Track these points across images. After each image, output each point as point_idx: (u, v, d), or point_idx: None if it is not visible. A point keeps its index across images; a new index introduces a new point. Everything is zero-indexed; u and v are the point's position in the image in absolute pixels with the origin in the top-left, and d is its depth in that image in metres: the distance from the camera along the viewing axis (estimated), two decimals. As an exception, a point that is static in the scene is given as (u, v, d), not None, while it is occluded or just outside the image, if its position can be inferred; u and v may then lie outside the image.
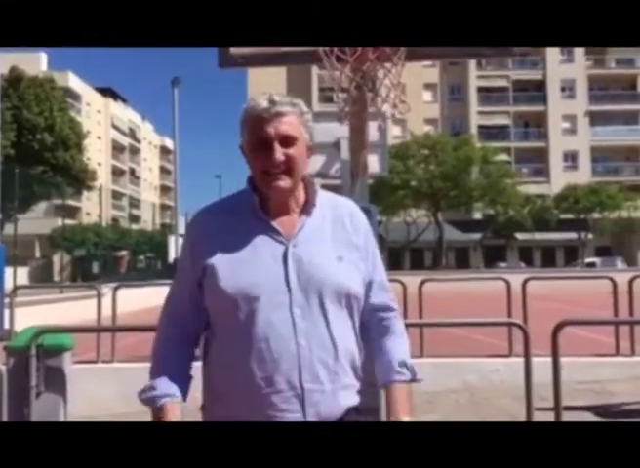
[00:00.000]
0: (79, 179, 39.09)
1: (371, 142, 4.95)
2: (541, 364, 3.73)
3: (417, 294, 7.27)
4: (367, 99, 4.66)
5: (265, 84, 33.02)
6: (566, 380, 3.79)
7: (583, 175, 49.87)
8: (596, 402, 5.76)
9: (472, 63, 50.68)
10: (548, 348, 3.54)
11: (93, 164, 46.64)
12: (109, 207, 52.58)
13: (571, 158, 52.67)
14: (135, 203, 62.40)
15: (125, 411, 4.90)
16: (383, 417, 3.30)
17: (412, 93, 39.85)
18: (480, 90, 52.98)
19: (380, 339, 1.64)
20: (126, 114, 70.76)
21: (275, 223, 1.54)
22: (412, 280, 7.44)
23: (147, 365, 1.60)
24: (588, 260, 42.15)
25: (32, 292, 14.54)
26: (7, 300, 8.39)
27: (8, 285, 10.31)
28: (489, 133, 50.97)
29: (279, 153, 1.49)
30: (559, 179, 49.43)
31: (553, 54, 51.15)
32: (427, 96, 52.20)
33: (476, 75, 52.73)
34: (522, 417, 3.68)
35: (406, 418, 1.52)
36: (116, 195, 60.38)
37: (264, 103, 1.50)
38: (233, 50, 4.60)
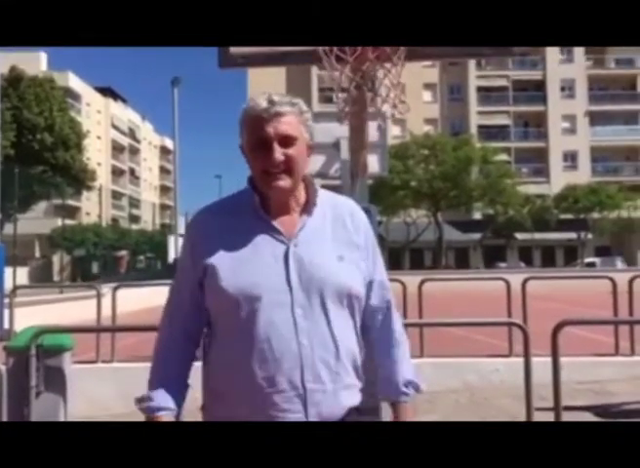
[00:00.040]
0: (79, 179, 39.09)
1: (370, 142, 4.95)
2: (541, 364, 3.73)
3: (416, 294, 7.27)
4: (367, 99, 4.66)
5: (265, 84, 33.03)
6: (566, 380, 3.79)
7: (583, 175, 49.88)
8: (596, 402, 5.75)
9: (472, 63, 50.68)
10: (548, 348, 3.54)
11: (92, 164, 46.63)
12: (109, 207, 52.58)
13: (570, 158, 52.67)
14: (134, 203, 62.38)
15: (125, 411, 4.90)
16: (384, 417, 3.31)
17: (411, 93, 39.85)
18: (480, 90, 52.99)
19: (381, 345, 1.65)
20: (126, 114, 70.75)
21: (276, 223, 1.54)
22: (412, 280, 7.44)
23: (147, 365, 1.60)
24: (588, 260, 42.14)
25: (32, 292, 14.53)
26: (7, 300, 8.38)
27: (8, 285, 10.30)
28: (489, 133, 50.97)
29: (279, 153, 1.49)
30: (559, 179, 49.43)
31: (553, 54, 51.16)
32: (427, 96, 52.20)
33: (476, 75, 52.74)
34: (522, 417, 3.68)
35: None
36: (116, 195, 60.38)
37: (264, 103, 1.50)
38: (233, 50, 4.60)
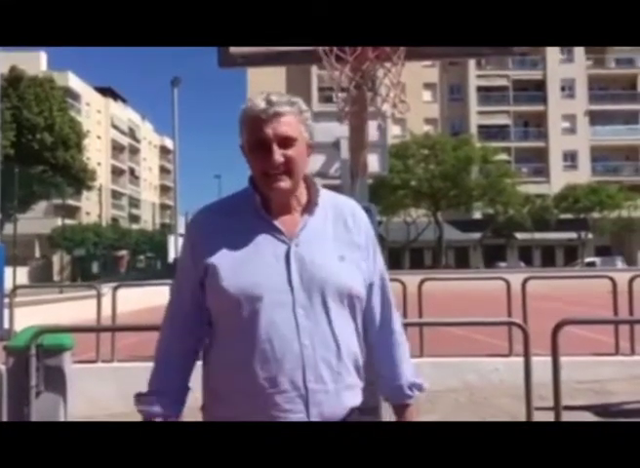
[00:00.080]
0: (79, 179, 39.07)
1: (370, 142, 4.95)
2: (541, 363, 3.73)
3: (416, 294, 7.27)
4: (367, 99, 4.66)
5: (265, 83, 33.00)
6: (566, 380, 3.79)
7: (583, 175, 49.88)
8: (596, 401, 5.76)
9: (472, 63, 50.68)
10: (548, 348, 3.54)
11: (92, 164, 46.61)
12: (109, 206, 52.58)
13: (570, 158, 52.68)
14: (134, 202, 62.38)
15: (125, 411, 4.90)
16: (384, 416, 3.31)
17: (411, 92, 39.85)
18: (480, 89, 52.99)
19: (382, 345, 1.65)
20: (126, 114, 70.75)
21: (277, 222, 1.53)
22: (411, 279, 7.44)
23: (148, 364, 1.60)
24: (588, 260, 42.14)
25: (32, 292, 14.54)
26: (7, 300, 8.39)
27: (8, 285, 10.30)
28: (488, 132, 50.98)
29: (278, 155, 1.48)
30: (559, 179, 49.43)
31: (553, 53, 51.17)
32: (427, 95, 52.21)
33: (476, 75, 52.74)
34: (522, 417, 3.68)
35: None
36: (116, 195, 60.38)
37: (262, 104, 1.49)
38: (233, 49, 4.59)
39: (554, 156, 52.29)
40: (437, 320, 7.31)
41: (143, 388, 1.58)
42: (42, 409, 3.97)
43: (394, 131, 45.40)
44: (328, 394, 1.47)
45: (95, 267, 37.83)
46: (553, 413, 3.46)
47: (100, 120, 62.63)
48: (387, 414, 1.65)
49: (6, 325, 8.18)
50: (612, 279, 7.38)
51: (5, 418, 3.58)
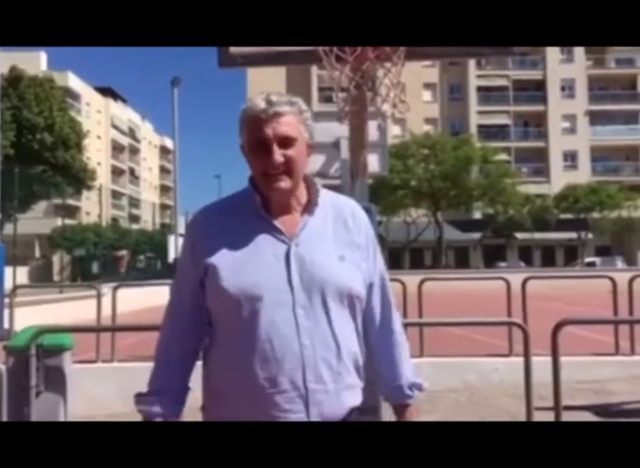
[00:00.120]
0: (79, 179, 39.07)
1: (370, 142, 4.95)
2: (541, 363, 3.73)
3: (416, 294, 7.27)
4: (367, 99, 4.66)
5: (265, 83, 32.99)
6: (566, 380, 3.79)
7: (583, 175, 49.89)
8: (596, 401, 5.76)
9: (472, 63, 50.68)
10: (548, 347, 3.54)
11: (92, 163, 46.61)
12: (109, 206, 52.58)
13: (570, 158, 52.69)
14: (134, 202, 62.38)
15: (125, 411, 4.90)
16: (384, 416, 3.31)
17: (411, 92, 39.86)
18: (480, 89, 53.00)
19: (382, 345, 1.65)
20: (126, 114, 70.75)
21: (277, 222, 1.53)
22: (411, 279, 7.44)
23: (148, 364, 1.60)
24: (588, 260, 42.14)
25: (32, 292, 14.54)
26: (7, 300, 8.39)
27: (8, 284, 10.30)
28: (488, 132, 50.98)
29: (278, 155, 1.48)
30: (559, 179, 49.44)
31: (553, 53, 51.17)
32: (427, 95, 52.21)
33: (476, 75, 52.75)
34: (522, 417, 3.68)
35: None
36: (116, 195, 60.38)
37: (262, 104, 1.48)
38: (233, 49, 4.59)
39: (554, 156, 52.29)
40: (437, 320, 7.31)
41: (143, 388, 1.58)
42: (42, 409, 3.97)
43: (394, 131, 45.41)
44: (328, 394, 1.47)
45: (95, 267, 37.83)
46: (553, 413, 3.46)
47: (99, 120, 62.63)
48: (387, 414, 1.65)
49: (6, 325, 8.18)
50: (612, 279, 7.38)
51: (5, 418, 3.58)
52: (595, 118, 52.64)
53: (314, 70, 47.68)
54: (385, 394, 1.68)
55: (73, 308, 11.26)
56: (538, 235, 45.98)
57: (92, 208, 49.09)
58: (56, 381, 4.11)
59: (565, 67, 52.59)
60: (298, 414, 1.44)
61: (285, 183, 1.50)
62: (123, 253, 41.41)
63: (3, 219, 28.90)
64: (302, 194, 1.58)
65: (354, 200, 1.71)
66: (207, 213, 1.60)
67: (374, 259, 1.63)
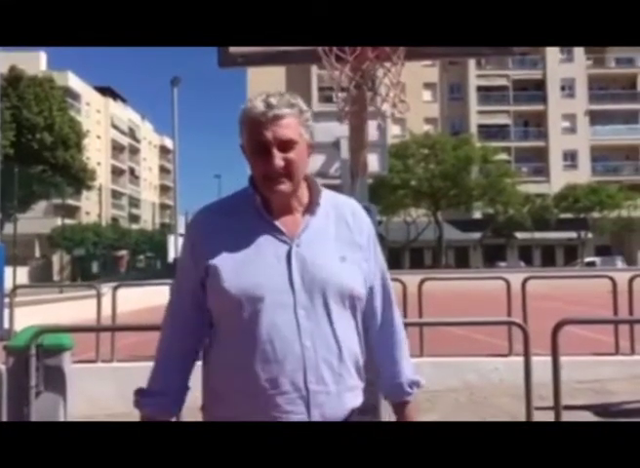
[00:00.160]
0: (79, 179, 39.07)
1: (370, 142, 4.95)
2: (541, 363, 3.73)
3: (416, 294, 7.27)
4: (366, 99, 4.66)
5: (265, 83, 32.97)
6: (566, 379, 3.79)
7: (583, 175, 49.90)
8: (596, 401, 5.76)
9: (472, 63, 50.67)
10: (548, 347, 3.54)
11: (92, 163, 46.61)
12: (109, 206, 52.55)
13: (570, 157, 52.69)
14: (134, 202, 62.37)
15: (125, 411, 4.90)
16: (384, 416, 3.31)
17: (411, 92, 39.86)
18: (480, 89, 53.00)
19: (383, 345, 1.65)
20: (125, 114, 70.74)
21: (278, 223, 1.52)
22: (411, 279, 7.44)
23: (147, 364, 1.60)
24: (588, 260, 42.16)
25: (32, 292, 14.53)
26: (7, 300, 8.39)
27: (7, 284, 10.30)
28: (488, 132, 50.99)
29: (278, 159, 1.47)
30: (559, 179, 49.44)
31: (553, 53, 51.17)
32: (427, 95, 52.21)
33: (476, 74, 52.75)
34: (522, 416, 3.68)
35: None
36: (116, 194, 60.37)
37: (261, 106, 1.47)
38: (233, 49, 4.59)
39: (554, 156, 52.29)
40: (437, 320, 7.31)
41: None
42: (42, 408, 3.97)
43: (394, 130, 45.41)
44: (329, 395, 1.47)
45: (94, 267, 37.82)
46: (553, 413, 3.46)
47: (99, 120, 62.62)
48: (387, 414, 1.65)
49: (6, 325, 8.18)
50: (612, 279, 7.38)
51: (5, 418, 3.57)
52: (595, 118, 52.64)
53: (314, 70, 47.68)
54: (385, 392, 1.68)
55: (73, 308, 11.26)
56: (538, 235, 45.99)
57: (92, 207, 49.09)
58: (55, 381, 4.11)
59: (565, 67, 52.59)
60: (299, 416, 1.44)
61: (285, 186, 1.50)
62: (123, 252, 41.40)
63: (3, 219, 28.90)
64: (304, 194, 1.57)
65: (354, 200, 1.71)
66: (207, 212, 1.60)
67: (375, 259, 1.63)
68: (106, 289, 8.67)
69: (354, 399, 1.54)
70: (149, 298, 11.52)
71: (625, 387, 6.15)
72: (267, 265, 1.48)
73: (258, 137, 1.48)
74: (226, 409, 1.49)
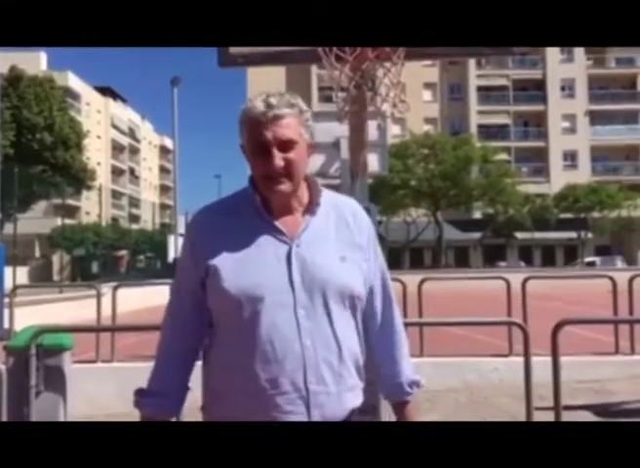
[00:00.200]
0: (79, 179, 39.07)
1: (370, 142, 4.95)
2: (541, 363, 3.73)
3: (416, 294, 7.27)
4: (366, 99, 4.66)
5: (265, 83, 32.97)
6: (566, 379, 3.79)
7: (583, 175, 49.90)
8: (596, 401, 5.76)
9: (472, 63, 50.67)
10: (548, 347, 3.54)
11: (92, 163, 46.62)
12: (109, 206, 52.56)
13: (570, 157, 52.70)
14: (134, 202, 62.39)
15: (125, 411, 4.90)
16: (384, 416, 3.31)
17: (411, 92, 39.85)
18: (480, 89, 52.99)
19: (383, 344, 1.65)
20: (125, 114, 70.75)
21: (278, 223, 1.52)
22: (411, 279, 7.44)
23: (147, 364, 1.60)
24: (588, 259, 42.17)
25: (32, 292, 14.54)
26: (7, 300, 8.39)
27: (7, 284, 10.30)
28: (488, 132, 50.99)
29: (278, 159, 1.47)
30: (559, 179, 49.45)
31: (553, 53, 51.16)
32: (427, 95, 52.21)
33: (476, 74, 52.75)
34: (522, 417, 3.68)
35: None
36: (116, 194, 60.38)
37: (261, 106, 1.47)
38: (233, 49, 4.59)
39: (554, 156, 52.29)
40: (437, 320, 7.31)
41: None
42: (42, 408, 3.97)
43: (394, 130, 45.40)
44: (329, 395, 1.47)
45: (94, 267, 37.82)
46: (553, 413, 3.46)
47: (99, 120, 62.63)
48: (387, 414, 1.65)
49: (6, 324, 8.18)
50: (612, 278, 7.39)
51: (5, 418, 3.58)
52: (595, 118, 52.64)
53: (314, 70, 47.68)
54: (386, 391, 1.68)
55: (73, 308, 11.26)
56: (538, 235, 45.99)
57: (92, 207, 49.10)
58: (55, 381, 4.11)
59: (565, 67, 52.60)
60: (299, 416, 1.44)
61: (285, 186, 1.49)
62: (123, 252, 41.40)
63: (3, 219, 28.90)
64: (304, 194, 1.57)
65: (354, 200, 1.71)
66: (207, 212, 1.60)
67: (375, 259, 1.63)
68: (106, 289, 8.67)
69: (354, 399, 1.54)
70: (149, 298, 11.53)
71: (625, 387, 6.15)
72: (267, 265, 1.48)
73: (258, 137, 1.48)
74: (226, 410, 1.49)
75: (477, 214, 47.35)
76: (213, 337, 1.54)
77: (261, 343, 1.44)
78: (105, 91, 64.84)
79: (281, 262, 1.48)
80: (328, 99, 40.96)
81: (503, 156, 46.78)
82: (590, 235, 46.58)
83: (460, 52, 5.00)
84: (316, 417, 1.45)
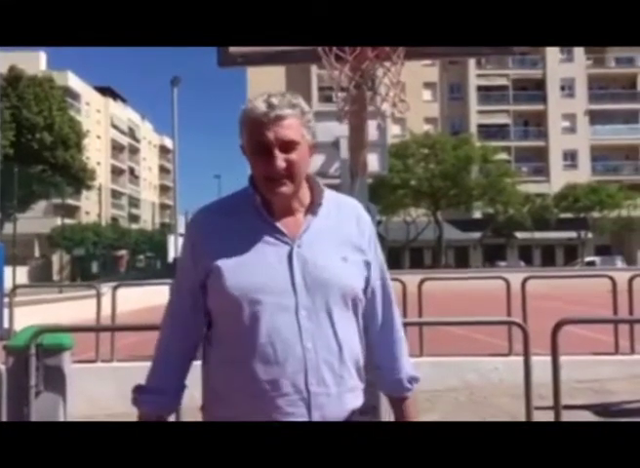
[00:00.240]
0: (78, 179, 39.07)
1: (370, 141, 4.95)
2: (541, 362, 3.73)
3: (416, 293, 7.27)
4: (366, 98, 4.66)
5: (265, 83, 32.98)
6: (565, 379, 3.79)
7: (583, 174, 49.90)
8: (596, 400, 5.76)
9: (472, 62, 50.66)
10: (548, 347, 3.54)
11: (92, 163, 46.62)
12: (109, 206, 52.54)
13: (570, 157, 52.70)
14: (134, 202, 62.37)
15: (124, 411, 4.89)
16: (383, 416, 3.31)
17: (411, 91, 39.84)
18: (480, 89, 53.00)
19: (383, 343, 1.65)
20: (125, 113, 70.74)
21: (279, 224, 1.51)
22: (411, 279, 7.44)
23: (147, 364, 1.60)
24: (588, 259, 42.16)
25: (32, 292, 14.54)
26: (6, 300, 8.39)
27: (7, 284, 10.30)
28: (488, 132, 50.99)
29: (280, 160, 1.46)
30: (559, 178, 49.45)
31: (553, 53, 51.16)
32: (427, 94, 52.21)
33: (476, 74, 52.75)
34: (521, 416, 3.68)
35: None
36: (115, 194, 60.36)
37: (263, 106, 1.46)
38: (232, 49, 4.58)
39: (554, 155, 52.30)
40: (437, 319, 7.31)
41: (143, 388, 1.58)
42: (42, 408, 3.97)
43: (394, 130, 45.39)
44: (330, 397, 1.46)
45: (94, 267, 37.79)
46: (553, 413, 3.46)
47: (99, 119, 62.62)
48: (387, 414, 1.65)
49: (6, 324, 8.18)
50: (611, 278, 7.39)
51: (5, 418, 3.57)
52: (595, 117, 52.65)
53: (314, 70, 47.67)
54: (385, 388, 1.68)
55: (73, 308, 11.26)
56: (537, 234, 45.99)
57: (91, 207, 49.08)
58: (55, 381, 4.11)
59: (565, 66, 52.60)
60: (299, 417, 1.44)
61: (287, 188, 1.48)
62: (122, 252, 41.39)
63: (3, 219, 28.90)
64: (305, 195, 1.56)
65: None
66: (207, 212, 1.59)
67: (375, 259, 1.62)
68: (106, 288, 8.67)
69: (355, 400, 1.53)
70: (149, 298, 11.52)
71: (625, 387, 6.15)
72: (268, 266, 1.47)
73: (259, 138, 1.47)
74: (226, 409, 1.49)
75: (477, 214, 47.35)
76: (213, 337, 1.54)
77: (262, 345, 1.43)
78: (105, 91, 64.82)
79: (282, 263, 1.47)
80: (328, 99, 40.97)
81: (503, 156, 46.79)
82: (590, 235, 46.59)
83: (460, 51, 5.00)
84: (317, 418, 1.45)
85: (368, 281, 1.58)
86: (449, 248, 46.45)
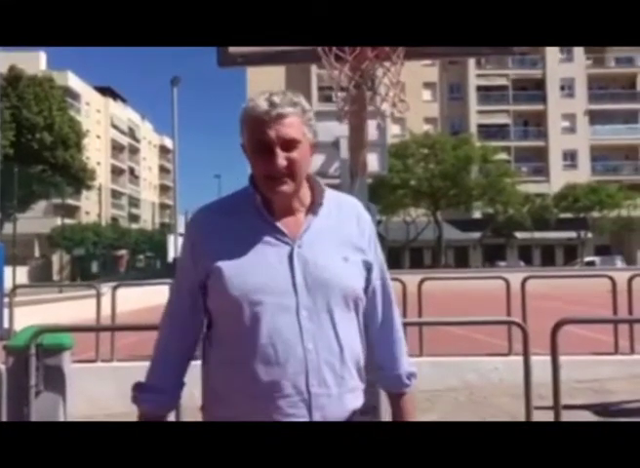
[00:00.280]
0: (78, 179, 39.07)
1: (370, 141, 4.94)
2: (541, 362, 3.73)
3: (416, 293, 7.27)
4: (366, 98, 4.65)
5: (265, 82, 32.98)
6: (565, 379, 3.79)
7: (583, 174, 49.91)
8: (595, 400, 5.76)
9: (472, 62, 50.69)
10: (547, 347, 3.54)
11: (92, 163, 46.62)
12: (109, 206, 52.54)
13: (570, 157, 52.71)
14: (134, 202, 62.37)
15: (124, 411, 4.89)
16: (383, 416, 3.31)
17: (411, 91, 39.87)
18: (479, 89, 53.01)
19: (383, 342, 1.65)
20: (125, 113, 70.73)
21: (280, 224, 1.51)
22: (411, 279, 7.43)
23: (147, 364, 1.60)
24: (588, 259, 42.17)
25: (32, 292, 14.55)
26: (6, 300, 8.39)
27: (7, 284, 10.30)
28: (488, 132, 51.00)
29: (281, 158, 1.45)
30: (558, 178, 49.46)
31: (553, 53, 51.17)
32: (427, 94, 52.22)
33: (476, 74, 52.76)
34: (521, 416, 3.68)
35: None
36: (115, 194, 60.36)
37: (264, 105, 1.45)
38: (232, 48, 4.58)
39: (554, 155, 52.30)
40: (437, 319, 7.32)
41: (143, 388, 1.58)
42: (42, 408, 3.97)
43: (394, 130, 45.41)
44: (331, 398, 1.46)
45: (94, 267, 37.80)
46: (553, 413, 3.46)
47: (99, 119, 62.62)
48: (387, 415, 1.65)
49: (6, 324, 8.18)
50: (611, 278, 7.39)
51: (4, 418, 3.57)
52: (595, 117, 52.66)
53: (314, 69, 47.68)
54: (384, 384, 1.68)
55: (73, 308, 11.26)
56: (537, 234, 46.00)
57: (91, 207, 49.08)
58: (55, 381, 4.11)
59: (564, 66, 52.60)
60: (300, 419, 1.44)
61: (288, 187, 1.48)
62: (122, 252, 41.40)
63: (2, 219, 28.89)
64: (306, 195, 1.55)
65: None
66: (207, 212, 1.58)
67: (376, 259, 1.62)
68: (106, 288, 8.67)
69: (355, 400, 1.53)
70: (149, 298, 11.51)
71: (625, 387, 6.16)
72: (269, 266, 1.46)
73: (260, 136, 1.46)
74: (226, 409, 1.49)
75: (477, 214, 47.36)
76: (213, 337, 1.54)
77: (263, 345, 1.43)
78: (105, 90, 64.82)
79: (283, 263, 1.47)
80: (328, 99, 40.98)
81: (503, 156, 46.80)
82: (590, 235, 46.60)
83: (460, 51, 5.00)
84: (317, 419, 1.44)
85: (368, 281, 1.58)
86: (449, 248, 46.46)
